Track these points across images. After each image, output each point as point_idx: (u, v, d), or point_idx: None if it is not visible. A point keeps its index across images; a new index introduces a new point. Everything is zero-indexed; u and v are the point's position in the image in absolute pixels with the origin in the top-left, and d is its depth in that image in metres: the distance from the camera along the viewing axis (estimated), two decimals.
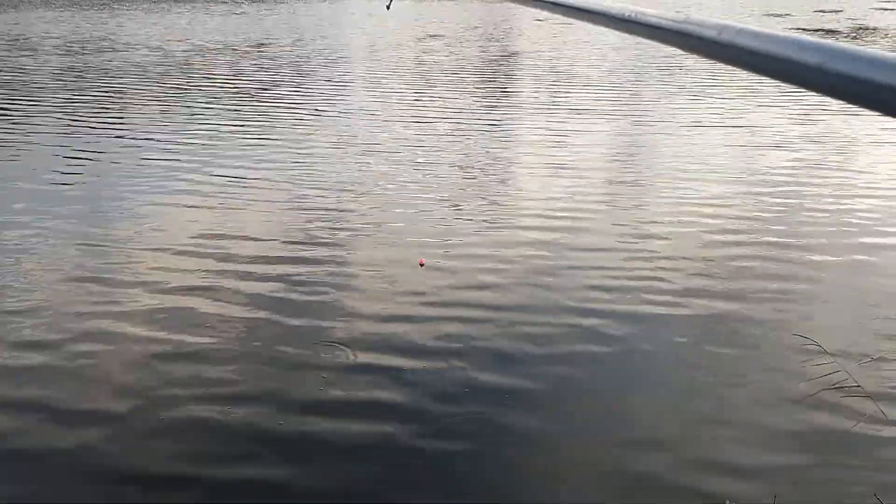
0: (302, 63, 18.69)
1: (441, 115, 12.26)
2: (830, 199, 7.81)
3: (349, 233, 7.00)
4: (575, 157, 9.55)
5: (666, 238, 6.79)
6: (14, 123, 12.02)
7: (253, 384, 4.47)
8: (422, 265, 6.32)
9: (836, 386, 4.16)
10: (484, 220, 7.27)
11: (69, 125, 11.88)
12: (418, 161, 9.41)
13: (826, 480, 3.61)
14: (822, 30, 25.31)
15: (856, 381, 4.08)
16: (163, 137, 10.91)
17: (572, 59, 19.11)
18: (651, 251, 6.49)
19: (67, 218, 7.47)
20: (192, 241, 6.80)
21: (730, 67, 0.75)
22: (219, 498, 3.55)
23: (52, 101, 13.83)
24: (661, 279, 5.90)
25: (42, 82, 15.96)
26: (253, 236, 6.94)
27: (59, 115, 12.58)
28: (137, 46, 21.97)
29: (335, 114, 12.60)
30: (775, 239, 6.75)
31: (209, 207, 7.74)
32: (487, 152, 9.85)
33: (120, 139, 10.85)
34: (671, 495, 3.51)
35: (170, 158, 9.67)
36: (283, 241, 6.80)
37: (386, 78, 16.36)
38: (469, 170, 9.04)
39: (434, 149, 10.04)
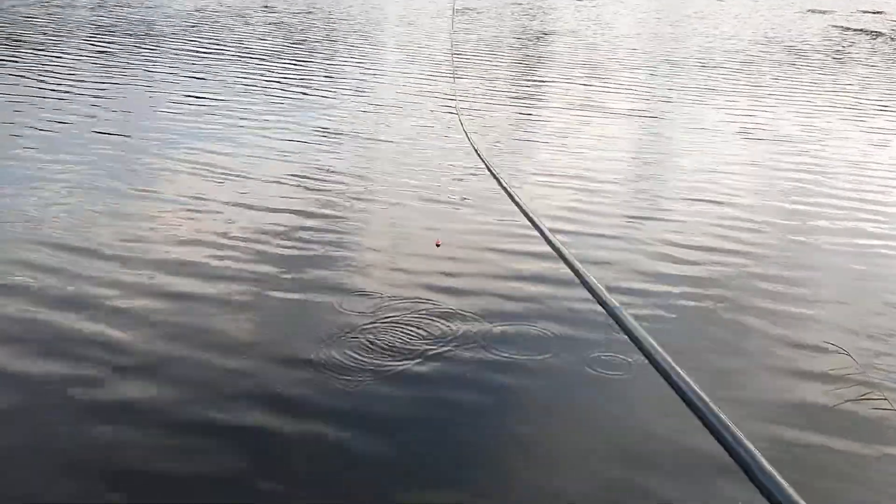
0: (339, 30, 18.66)
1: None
2: None
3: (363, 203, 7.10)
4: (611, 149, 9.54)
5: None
6: (48, 75, 12.15)
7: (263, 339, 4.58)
8: (438, 246, 6.38)
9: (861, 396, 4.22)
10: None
11: (100, 73, 12.00)
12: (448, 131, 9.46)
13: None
14: (864, 30, 24.90)
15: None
16: (192, 92, 11.00)
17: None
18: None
19: (92, 170, 7.62)
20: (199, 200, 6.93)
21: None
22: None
23: (84, 53, 13.95)
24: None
25: (74, 34, 16.08)
26: (272, 206, 7.03)
27: (90, 65, 12.71)
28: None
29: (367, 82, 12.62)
30: None
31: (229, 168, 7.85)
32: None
33: (151, 92, 10.97)
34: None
35: (194, 115, 9.78)
36: (302, 205, 6.90)
37: (424, 47, 16.33)
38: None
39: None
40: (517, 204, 1.77)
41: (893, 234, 7.08)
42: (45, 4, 19.27)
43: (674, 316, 5.28)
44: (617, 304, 1.30)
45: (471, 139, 2.60)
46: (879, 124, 11.36)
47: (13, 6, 18.83)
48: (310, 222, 6.66)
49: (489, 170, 2.14)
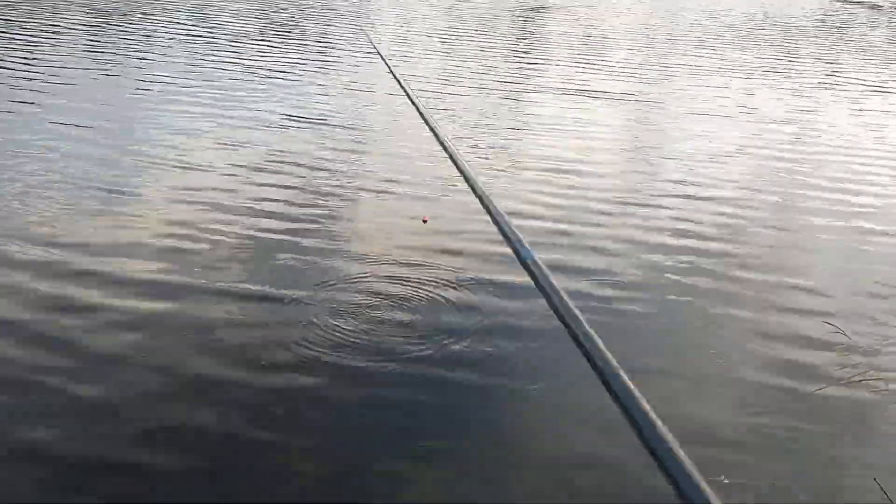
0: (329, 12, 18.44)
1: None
2: None
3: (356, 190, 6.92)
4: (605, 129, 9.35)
5: None
6: (39, 60, 11.96)
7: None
8: (425, 222, 6.22)
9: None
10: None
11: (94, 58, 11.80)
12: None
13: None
14: (869, 4, 24.65)
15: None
16: (188, 78, 10.82)
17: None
18: None
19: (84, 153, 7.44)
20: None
21: None
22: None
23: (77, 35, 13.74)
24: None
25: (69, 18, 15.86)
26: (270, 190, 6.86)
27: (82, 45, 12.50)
28: None
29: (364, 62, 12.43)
30: None
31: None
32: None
33: (145, 80, 10.78)
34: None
35: (188, 100, 9.59)
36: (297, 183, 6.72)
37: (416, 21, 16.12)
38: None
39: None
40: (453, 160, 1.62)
41: (886, 212, 6.94)
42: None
43: (667, 297, 5.11)
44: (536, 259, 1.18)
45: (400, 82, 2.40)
46: (875, 104, 11.16)
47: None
48: (290, 209, 6.48)
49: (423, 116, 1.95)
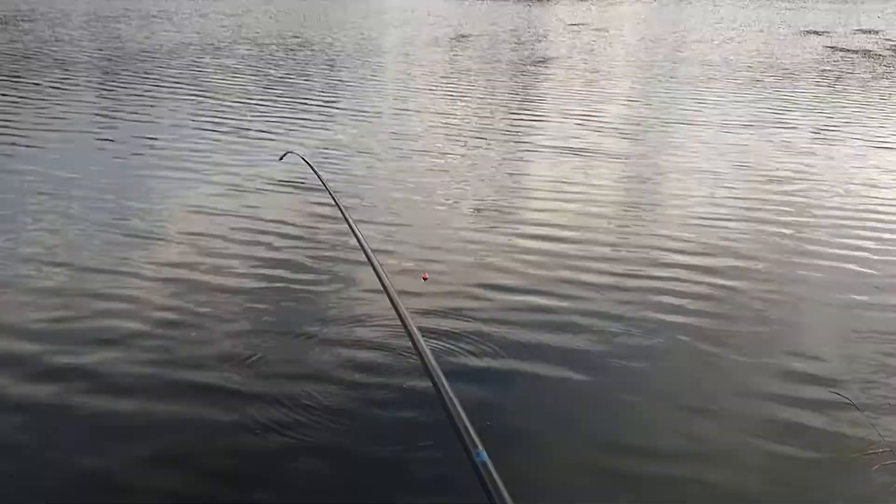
0: (336, 58, 18.66)
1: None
2: None
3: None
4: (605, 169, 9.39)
5: None
6: (47, 101, 12.10)
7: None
8: (425, 279, 6.22)
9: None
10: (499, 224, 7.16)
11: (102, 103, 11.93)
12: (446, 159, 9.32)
13: None
14: (861, 51, 24.90)
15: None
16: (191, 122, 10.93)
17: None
18: None
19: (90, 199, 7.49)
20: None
21: None
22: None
23: (86, 80, 13.92)
24: None
25: (77, 60, 16.08)
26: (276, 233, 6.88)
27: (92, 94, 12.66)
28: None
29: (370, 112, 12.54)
30: None
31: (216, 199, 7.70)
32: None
33: (151, 124, 10.88)
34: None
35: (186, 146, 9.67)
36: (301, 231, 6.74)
37: (421, 76, 16.29)
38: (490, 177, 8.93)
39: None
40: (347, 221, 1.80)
41: (888, 253, 6.92)
42: (52, 42, 19.37)
43: (664, 364, 5.06)
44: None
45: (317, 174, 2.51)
46: (874, 144, 11.22)
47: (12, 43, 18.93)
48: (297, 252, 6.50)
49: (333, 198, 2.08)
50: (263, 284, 5.96)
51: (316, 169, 3.35)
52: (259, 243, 6.80)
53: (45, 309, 5.43)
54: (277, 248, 6.71)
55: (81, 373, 4.62)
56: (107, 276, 5.99)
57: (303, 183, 8.51)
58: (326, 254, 6.64)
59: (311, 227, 7.25)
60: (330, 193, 2.70)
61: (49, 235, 6.82)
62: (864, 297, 6.07)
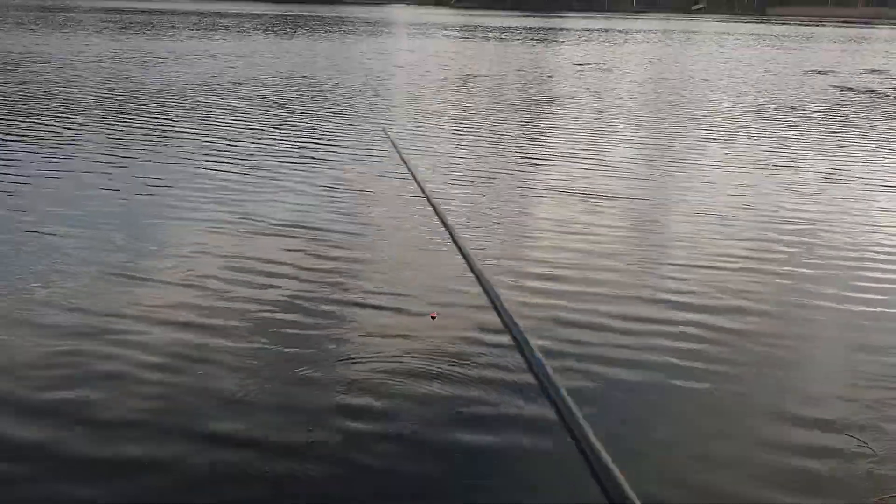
0: (341, 99, 18.81)
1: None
2: None
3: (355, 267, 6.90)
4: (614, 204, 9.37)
5: None
6: (55, 140, 12.19)
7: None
8: (433, 318, 6.18)
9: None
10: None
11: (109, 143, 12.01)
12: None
13: None
14: (867, 90, 24.99)
15: None
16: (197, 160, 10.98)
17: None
18: None
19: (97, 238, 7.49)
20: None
21: None
22: None
23: (93, 121, 14.03)
24: None
25: (84, 102, 16.24)
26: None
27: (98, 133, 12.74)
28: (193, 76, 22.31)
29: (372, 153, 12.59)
30: None
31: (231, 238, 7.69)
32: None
33: (157, 161, 10.93)
34: None
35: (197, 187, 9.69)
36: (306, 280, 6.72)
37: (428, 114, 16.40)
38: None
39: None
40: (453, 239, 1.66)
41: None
42: (58, 85, 19.62)
43: (677, 409, 4.99)
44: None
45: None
46: (880, 187, 11.19)
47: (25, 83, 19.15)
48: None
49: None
50: (269, 327, 5.93)
51: (398, 147, 3.30)
52: (266, 286, 6.78)
53: (42, 347, 5.42)
54: (283, 290, 6.68)
55: (75, 410, 4.61)
56: (110, 318, 5.98)
57: (309, 224, 8.53)
58: (334, 297, 6.60)
59: (317, 270, 7.22)
60: (412, 174, 2.59)
61: (52, 274, 6.81)
62: (873, 340, 6.02)
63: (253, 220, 8.61)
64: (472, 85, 22.95)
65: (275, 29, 50.93)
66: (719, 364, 5.51)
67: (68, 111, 15.54)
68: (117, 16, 57.85)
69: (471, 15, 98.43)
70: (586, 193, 10.21)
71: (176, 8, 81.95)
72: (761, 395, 5.11)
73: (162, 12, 69.35)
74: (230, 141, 13.18)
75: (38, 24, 44.11)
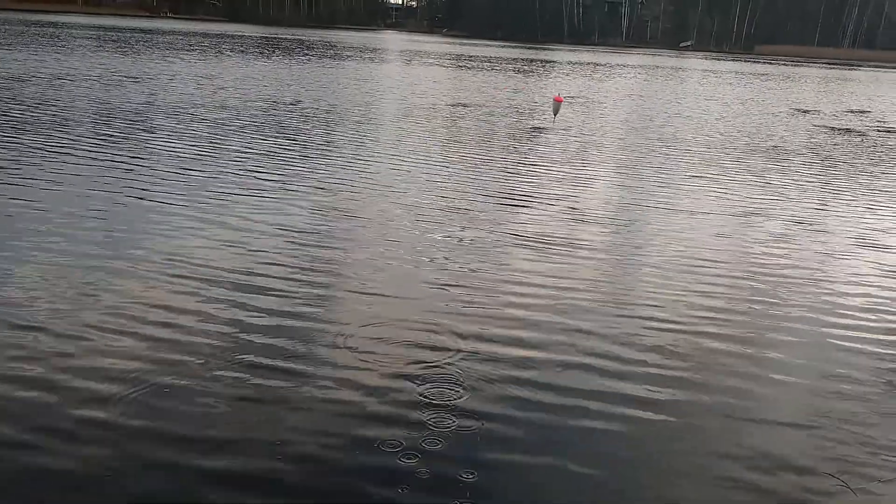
0: (329, 123, 18.87)
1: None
2: None
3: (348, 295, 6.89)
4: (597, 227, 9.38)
5: None
6: (47, 156, 12.15)
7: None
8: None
9: None
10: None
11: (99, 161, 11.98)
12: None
13: None
14: (849, 131, 25.33)
15: None
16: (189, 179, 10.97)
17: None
18: None
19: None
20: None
21: None
22: None
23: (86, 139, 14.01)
24: None
25: (77, 119, 16.23)
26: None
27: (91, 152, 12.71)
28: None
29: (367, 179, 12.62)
30: None
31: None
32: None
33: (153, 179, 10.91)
34: None
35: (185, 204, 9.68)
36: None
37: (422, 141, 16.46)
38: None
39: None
40: None
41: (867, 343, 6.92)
42: (52, 103, 19.61)
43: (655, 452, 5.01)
44: None
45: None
46: (860, 238, 11.25)
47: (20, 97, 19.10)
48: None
49: None
50: (263, 336, 6.03)
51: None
52: (259, 292, 6.95)
53: (28, 361, 5.44)
54: (277, 294, 6.77)
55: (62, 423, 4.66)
56: (88, 328, 6.03)
57: (299, 229, 8.59)
58: (326, 299, 6.71)
59: (309, 272, 7.25)
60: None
61: (41, 285, 6.85)
62: (846, 384, 6.11)
63: (243, 232, 8.61)
64: (460, 115, 23.08)
65: (260, 51, 51.26)
66: (684, 413, 5.53)
67: (56, 130, 15.52)
68: (106, 33, 57.87)
69: (462, 44, 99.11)
70: (560, 241, 9.96)
71: (178, 28, 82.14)
72: (732, 438, 5.13)
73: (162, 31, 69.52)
74: (217, 157, 13.24)
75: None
